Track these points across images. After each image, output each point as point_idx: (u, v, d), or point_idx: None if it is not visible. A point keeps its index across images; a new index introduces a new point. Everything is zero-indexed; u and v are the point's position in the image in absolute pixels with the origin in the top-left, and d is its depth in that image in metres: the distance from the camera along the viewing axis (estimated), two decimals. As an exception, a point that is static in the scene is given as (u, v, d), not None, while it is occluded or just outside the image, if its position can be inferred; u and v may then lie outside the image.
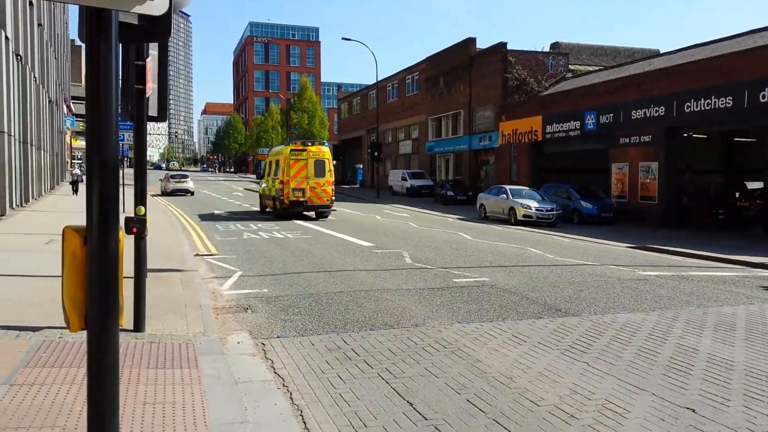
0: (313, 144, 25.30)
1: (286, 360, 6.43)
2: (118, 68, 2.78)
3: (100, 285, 2.67)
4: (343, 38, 45.58)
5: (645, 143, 25.16)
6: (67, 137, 59.91)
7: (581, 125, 28.55)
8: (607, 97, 27.35)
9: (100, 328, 2.68)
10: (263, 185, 27.61)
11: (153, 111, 8.07)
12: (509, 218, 24.69)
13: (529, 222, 23.68)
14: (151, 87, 7.71)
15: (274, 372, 6.04)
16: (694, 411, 5.22)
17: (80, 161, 76.01)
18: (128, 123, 11.07)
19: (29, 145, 25.85)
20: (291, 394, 5.49)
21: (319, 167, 24.13)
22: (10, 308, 7.65)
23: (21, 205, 23.43)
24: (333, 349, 6.84)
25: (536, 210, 23.81)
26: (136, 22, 3.12)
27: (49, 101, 36.24)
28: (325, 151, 24.64)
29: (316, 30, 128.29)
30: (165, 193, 40.77)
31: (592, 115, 27.75)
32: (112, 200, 2.70)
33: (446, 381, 5.86)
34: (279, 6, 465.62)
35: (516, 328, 7.90)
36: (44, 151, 32.98)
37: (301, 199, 23.71)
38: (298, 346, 6.91)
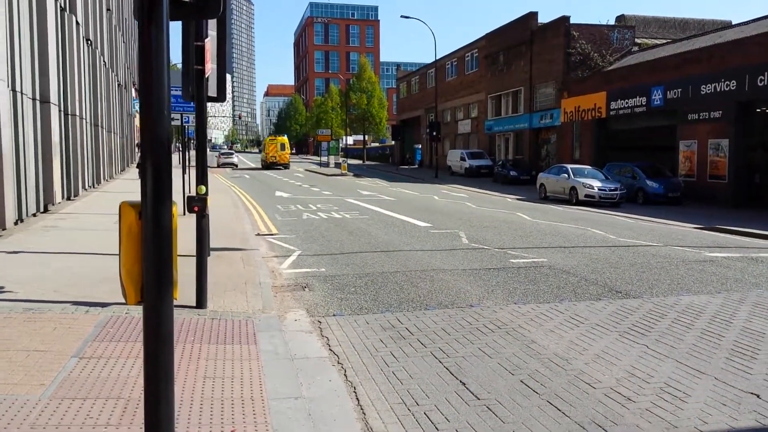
0: (276, 137, 57.90)
1: (341, 338, 6.53)
2: (168, 45, 2.85)
3: (155, 258, 2.78)
4: (401, 16, 45.36)
5: (715, 119, 24.13)
6: (137, 120, 61.93)
7: (647, 101, 27.60)
8: (675, 71, 26.31)
9: (155, 299, 2.79)
10: (261, 155, 59.77)
11: (212, 91, 8.26)
12: (570, 198, 24.18)
13: (591, 202, 23.14)
14: (210, 67, 7.88)
15: (330, 349, 6.15)
16: (758, 396, 5.05)
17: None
18: (191, 104, 11.33)
19: (100, 128, 26.86)
20: (345, 371, 5.59)
21: (281, 146, 54.73)
22: (82, 285, 8.03)
23: (93, 186, 24.44)
24: (387, 327, 6.90)
25: (599, 189, 23.23)
26: (188, -1, 3.19)
27: (118, 85, 37.48)
28: (284, 139, 56.47)
29: (375, 9, 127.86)
30: (218, 166, 55.03)
31: (659, 91, 26.78)
32: (165, 175, 2.80)
33: (499, 361, 5.85)
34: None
35: (573, 310, 7.78)
36: (114, 133, 34.20)
37: (273, 161, 53.98)
38: (353, 325, 7.01)
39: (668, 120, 26.87)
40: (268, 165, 54.06)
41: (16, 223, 13.08)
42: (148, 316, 2.80)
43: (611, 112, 30.38)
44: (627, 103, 29.10)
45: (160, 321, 2.80)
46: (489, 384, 5.29)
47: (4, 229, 12.03)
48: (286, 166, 54.24)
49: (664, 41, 36.45)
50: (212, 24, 8.00)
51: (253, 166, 61.67)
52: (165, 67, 2.81)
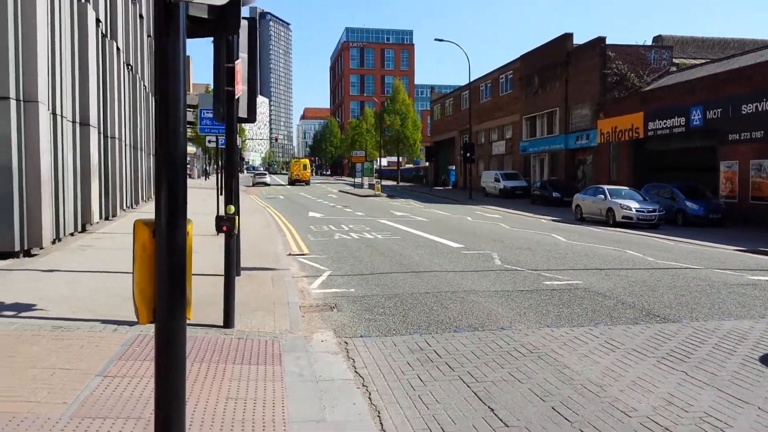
0: (300, 159, 76.57)
1: (368, 359, 6.41)
2: (185, 62, 2.82)
3: (168, 278, 2.72)
4: (436, 39, 45.53)
5: (757, 139, 23.48)
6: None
7: (686, 121, 27.06)
8: (715, 91, 25.76)
9: (166, 320, 2.73)
10: (289, 174, 72.15)
11: (243, 112, 8.32)
12: (607, 220, 23.71)
13: (628, 224, 22.65)
14: (241, 89, 7.94)
15: (355, 371, 6.04)
16: (806, 429, 4.76)
17: (188, 165, 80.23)
18: (221, 125, 11.43)
19: (139, 150, 27.41)
20: (370, 394, 5.46)
21: (303, 167, 67.48)
22: (113, 303, 8.08)
23: (131, 207, 24.89)
24: (415, 350, 6.76)
25: (636, 211, 22.74)
26: (206, 16, 3.17)
27: (157, 109, 38.22)
28: (305, 161, 70.96)
29: (410, 33, 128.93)
30: (253, 185, 59.97)
31: (698, 111, 26.23)
32: (180, 194, 2.75)
33: (530, 387, 5.65)
34: (375, 10, 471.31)
35: (609, 334, 7.52)
36: (153, 156, 34.86)
37: (296, 178, 65.77)
38: (381, 346, 6.88)
39: (708, 140, 26.26)
40: (292, 181, 67.31)
41: (53, 242, 13.32)
42: (160, 337, 2.74)
43: (649, 133, 29.85)
44: (665, 123, 28.57)
45: (171, 342, 2.74)
46: (519, 410, 5.10)
47: (41, 248, 12.25)
48: (307, 183, 66.42)
49: (703, 61, 35.81)
50: (243, 46, 8.09)
51: (282, 183, 73.59)
52: (181, 84, 2.78)
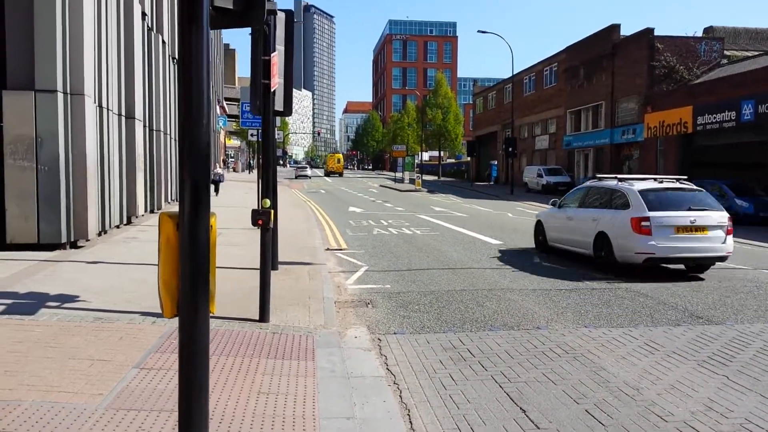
0: (335, 154, 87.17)
1: (400, 357, 6.39)
2: (209, 52, 2.83)
3: (191, 271, 2.74)
4: (478, 31, 45.05)
5: (813, 134, 22.57)
6: (221, 136, 64.23)
7: (737, 116, 26.16)
8: (768, 84, 24.84)
9: (190, 313, 2.75)
10: (324, 167, 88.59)
11: (279, 105, 8.38)
12: (652, 216, 23.07)
13: (674, 221, 22.01)
14: (277, 82, 7.98)
15: (387, 368, 6.03)
16: None
17: (232, 158, 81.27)
18: (258, 119, 11.55)
19: (183, 143, 27.86)
20: (401, 392, 5.44)
21: (337, 160, 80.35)
22: (153, 295, 8.18)
23: (176, 200, 25.37)
24: (448, 348, 6.71)
25: (683, 208, 21.95)
26: (231, 6, 3.18)
27: (202, 103, 38.84)
28: (339, 155, 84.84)
29: (454, 25, 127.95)
30: (296, 177, 65.42)
31: (750, 105, 25.33)
32: (203, 186, 2.76)
33: (564, 389, 5.55)
34: (418, 1, 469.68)
35: (649, 336, 7.34)
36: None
37: (331, 170, 78.30)
38: (414, 344, 6.86)
39: (759, 135, 25.36)
40: (328, 173, 79.87)
41: (99, 234, 13.67)
42: (183, 330, 2.76)
43: (698, 127, 28.99)
44: (715, 117, 27.70)
45: (194, 335, 2.76)
46: (551, 412, 5.01)
47: (87, 240, 12.59)
48: (340, 174, 78.39)
49: (756, 53, 34.56)
50: (280, 38, 8.14)
51: (320, 174, 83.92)
52: (205, 75, 2.79)
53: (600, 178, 13.39)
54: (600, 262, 11.74)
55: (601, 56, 39.17)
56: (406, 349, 6.65)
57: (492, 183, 57.66)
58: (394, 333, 7.30)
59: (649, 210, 10.96)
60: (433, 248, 14.58)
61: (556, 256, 13.43)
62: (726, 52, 35.55)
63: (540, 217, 14.88)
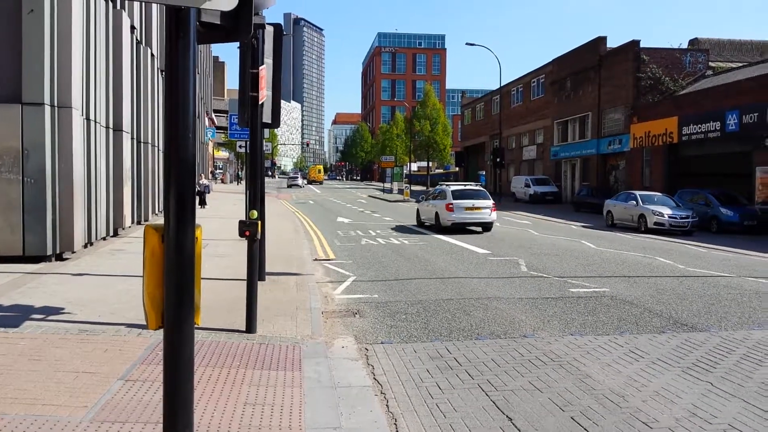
0: (316, 166, 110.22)
1: (387, 366, 6.40)
2: (195, 67, 2.85)
3: (176, 283, 2.75)
4: (467, 43, 45.35)
5: (795, 144, 22.86)
6: (210, 148, 64.12)
7: (721, 126, 26.51)
8: (752, 95, 25.19)
9: (174, 325, 2.76)
10: (308, 178, 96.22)
11: (267, 117, 8.42)
12: (639, 226, 23.33)
13: (661, 230, 22.25)
14: (265, 94, 8.02)
15: (374, 378, 6.03)
16: (835, 445, 4.62)
17: (221, 170, 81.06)
18: (246, 130, 11.58)
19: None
20: (387, 401, 5.45)
21: (318, 171, 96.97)
22: (139, 307, 8.17)
23: (163, 212, 25.29)
24: (435, 357, 6.73)
25: (669, 217, 22.32)
26: (219, 22, 3.21)
27: (191, 114, 38.84)
28: (320, 167, 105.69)
29: (442, 37, 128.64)
30: (288, 186, 72.88)
31: (734, 115, 25.67)
32: (189, 198, 2.78)
33: (551, 396, 5.58)
34: (407, 14, 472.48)
35: (634, 343, 7.39)
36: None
37: (312, 179, 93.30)
38: (401, 353, 6.87)
39: (743, 146, 25.67)
40: (310, 181, 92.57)
41: (85, 246, 13.60)
42: (167, 342, 2.77)
43: (683, 138, 29.32)
44: (700, 128, 28.03)
45: (179, 347, 2.77)
46: (537, 420, 5.04)
47: (72, 252, 12.52)
48: (321, 182, 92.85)
49: (740, 64, 35.04)
50: (269, 51, 8.18)
51: (312, 187, 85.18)
52: (191, 89, 2.82)
53: (441, 184, 25.39)
54: (437, 227, 21.65)
55: (588, 68, 39.56)
56: (393, 359, 6.66)
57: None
58: (382, 342, 7.31)
59: (453, 199, 20.94)
60: (420, 258, 14.62)
61: (542, 265, 13.51)
62: (711, 64, 36.03)
63: (418, 206, 25.38)
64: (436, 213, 21.60)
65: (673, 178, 30.85)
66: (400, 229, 22.70)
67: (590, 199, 33.41)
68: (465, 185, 22.53)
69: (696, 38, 39.91)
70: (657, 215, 22.53)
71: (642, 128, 32.98)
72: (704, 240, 20.15)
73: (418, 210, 24.41)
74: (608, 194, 30.91)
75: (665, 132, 30.74)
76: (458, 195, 21.01)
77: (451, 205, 20.70)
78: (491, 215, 20.85)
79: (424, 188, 69.89)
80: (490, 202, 21.04)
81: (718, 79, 32.47)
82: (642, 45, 35.35)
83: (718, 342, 7.44)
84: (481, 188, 22.57)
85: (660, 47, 35.95)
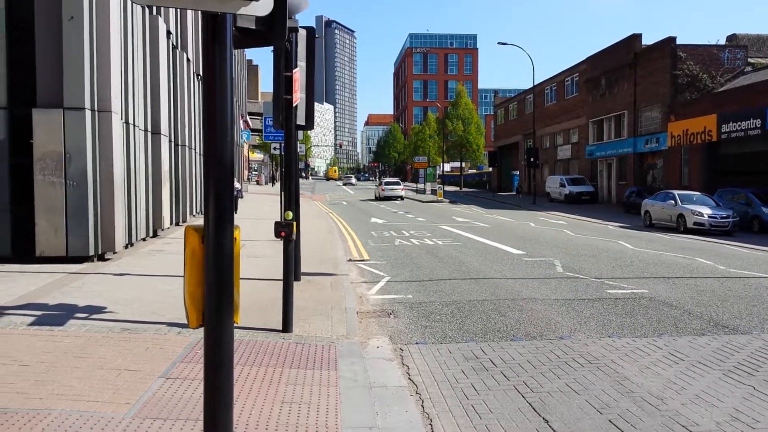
0: (334, 167, 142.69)
1: (422, 367, 6.42)
2: (232, 71, 2.91)
3: (216, 282, 2.81)
4: (499, 43, 45.07)
5: (842, 141, 22.18)
6: (244, 150, 64.87)
7: (762, 123, 25.85)
8: (795, 91, 24.50)
9: (214, 323, 2.82)
10: (329, 176, 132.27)
11: (301, 120, 8.50)
12: (678, 226, 22.90)
13: (700, 230, 21.81)
14: (299, 97, 8.10)
15: (409, 378, 6.05)
16: None
17: (256, 171, 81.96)
18: (281, 132, 11.68)
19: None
20: (423, 401, 5.47)
21: (335, 171, 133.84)
22: (179, 307, 8.34)
23: (201, 213, 25.68)
24: (470, 358, 6.72)
25: (709, 217, 21.86)
26: (254, 27, 3.27)
27: (225, 117, 39.34)
28: (336, 168, 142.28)
29: (474, 37, 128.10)
30: (343, 185, 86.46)
31: (776, 112, 25.01)
32: (227, 200, 2.84)
33: (588, 399, 5.53)
34: (438, 14, 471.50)
35: (673, 345, 7.28)
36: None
37: (332, 177, 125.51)
38: (435, 354, 6.88)
39: (787, 143, 25.01)
40: (328, 179, 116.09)
41: (126, 247, 13.91)
42: (208, 340, 2.84)
43: (722, 136, 28.68)
44: (740, 125, 27.38)
45: (219, 345, 2.83)
46: (574, 423, 5.00)
47: (114, 252, 12.82)
48: (336, 180, 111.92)
49: (782, 59, 34.14)
50: (302, 55, 8.26)
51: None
52: (228, 92, 2.88)
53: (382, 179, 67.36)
54: (378, 198, 48.23)
55: (623, 66, 38.97)
56: (428, 359, 6.67)
57: (514, 193, 57.41)
58: (416, 343, 7.33)
59: (383, 185, 49.52)
60: (454, 259, 14.59)
61: (579, 266, 13.36)
62: (750, 60, 35.18)
63: (374, 191, 53.48)
64: (379, 192, 49.10)
65: (712, 177, 30.20)
66: (434, 229, 22.67)
67: (639, 200, 32.25)
68: (391, 179, 52.97)
69: (734, 34, 39.01)
70: (696, 215, 22.09)
71: (680, 126, 32.36)
72: (745, 240, 19.70)
73: (375, 191, 52.22)
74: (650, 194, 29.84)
75: (704, 130, 30.11)
76: (386, 183, 49.67)
77: (382, 187, 48.90)
78: (402, 192, 48.68)
79: (458, 189, 69.79)
80: (401, 186, 49.59)
81: (758, 75, 31.68)
82: (678, 42, 34.65)
83: (761, 345, 7.28)
84: (398, 180, 54.39)
85: (697, 44, 35.21)
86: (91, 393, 5.07)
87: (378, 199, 48.60)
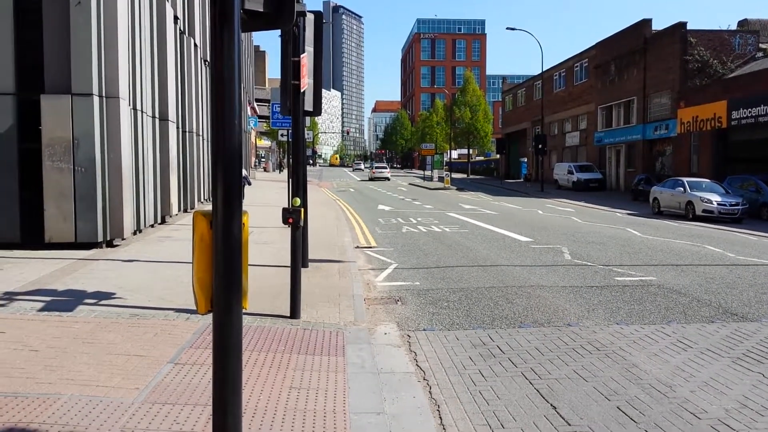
0: (336, 155, 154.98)
1: (430, 353, 6.42)
2: (240, 55, 2.89)
3: (224, 267, 2.81)
4: (507, 28, 44.74)
5: None
6: (252, 137, 64.86)
7: (774, 110, 25.59)
8: (807, 77, 24.22)
9: (223, 309, 2.82)
10: (332, 162, 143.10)
11: (308, 106, 8.47)
12: (686, 213, 22.79)
13: (709, 218, 21.70)
14: (306, 82, 8.07)
15: (417, 365, 6.06)
16: None
17: (263, 158, 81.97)
18: (288, 119, 11.68)
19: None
20: (430, 388, 5.48)
21: (336, 157, 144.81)
22: (187, 293, 8.36)
23: (208, 200, 25.73)
24: (478, 345, 6.72)
25: (718, 204, 21.74)
26: (262, 9, 3.24)
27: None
28: (337, 155, 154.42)
29: (482, 22, 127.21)
30: (353, 171, 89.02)
31: (788, 98, 24.76)
32: (235, 185, 2.83)
33: (595, 385, 5.52)
34: (446, 0, 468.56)
35: (682, 333, 7.25)
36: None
37: (333, 164, 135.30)
38: (443, 340, 6.88)
39: (798, 129, 24.77)
40: (330, 165, 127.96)
41: (134, 233, 13.96)
42: (217, 326, 2.84)
43: (732, 122, 28.44)
44: (750, 112, 27.14)
45: (227, 330, 2.83)
46: (582, 409, 5.00)
47: (122, 239, 12.86)
48: (338, 165, 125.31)
49: (794, 45, 33.74)
50: (309, 40, 8.22)
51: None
52: (236, 77, 2.85)
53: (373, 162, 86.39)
54: (370, 179, 60.38)
55: (633, 51, 38.62)
56: (435, 346, 6.68)
57: (522, 180, 57.24)
58: (424, 329, 7.34)
59: (374, 168, 64.69)
60: (462, 245, 14.57)
61: (586, 253, 13.32)
62: (761, 45, 34.78)
63: (368, 173, 69.65)
64: (369, 172, 60.05)
65: (721, 164, 29.99)
66: (442, 216, 22.64)
67: (647, 187, 31.91)
68: (379, 164, 71.15)
69: (746, 19, 38.55)
70: (705, 202, 21.97)
71: (689, 113, 32.10)
72: (755, 228, 19.58)
73: (368, 173, 60.02)
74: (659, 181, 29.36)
75: (714, 116, 29.85)
76: (376, 166, 64.29)
77: (373, 170, 62.76)
78: (389, 174, 61.51)
79: (465, 176, 69.68)
80: (387, 170, 63.67)
81: (771, 61, 31.35)
82: (689, 27, 34.29)
83: (770, 332, 7.24)
84: (385, 164, 70.91)
85: (707, 29, 34.84)
86: (100, 378, 5.10)
87: (371, 179, 61.77)
